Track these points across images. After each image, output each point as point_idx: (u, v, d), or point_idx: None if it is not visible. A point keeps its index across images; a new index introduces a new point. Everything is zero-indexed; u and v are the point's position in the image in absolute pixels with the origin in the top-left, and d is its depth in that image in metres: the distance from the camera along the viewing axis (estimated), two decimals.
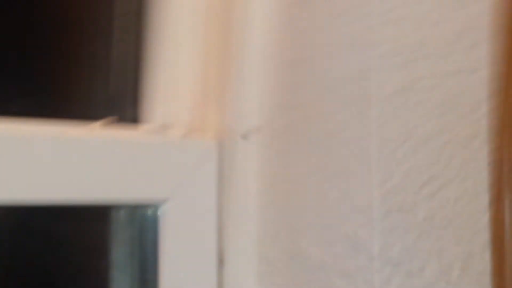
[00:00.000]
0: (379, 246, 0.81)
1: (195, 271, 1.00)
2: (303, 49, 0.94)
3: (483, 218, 0.85)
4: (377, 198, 0.82)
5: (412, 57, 0.85)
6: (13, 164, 0.89)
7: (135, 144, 0.97)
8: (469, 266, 0.84)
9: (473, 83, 0.86)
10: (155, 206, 1.00)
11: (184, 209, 0.99)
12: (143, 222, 1.05)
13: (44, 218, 1.03)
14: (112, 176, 0.95)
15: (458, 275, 0.84)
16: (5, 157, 0.88)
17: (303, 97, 0.94)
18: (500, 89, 0.85)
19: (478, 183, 0.85)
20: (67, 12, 1.14)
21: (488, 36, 0.86)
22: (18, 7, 1.09)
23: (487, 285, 0.85)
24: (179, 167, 0.99)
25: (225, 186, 1.00)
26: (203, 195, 1.00)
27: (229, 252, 1.01)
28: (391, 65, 0.84)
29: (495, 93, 0.86)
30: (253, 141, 1.01)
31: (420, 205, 0.83)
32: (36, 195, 0.91)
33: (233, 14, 1.04)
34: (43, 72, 1.08)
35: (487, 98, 0.86)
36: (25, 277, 1.06)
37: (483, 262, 0.85)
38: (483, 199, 0.85)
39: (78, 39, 1.14)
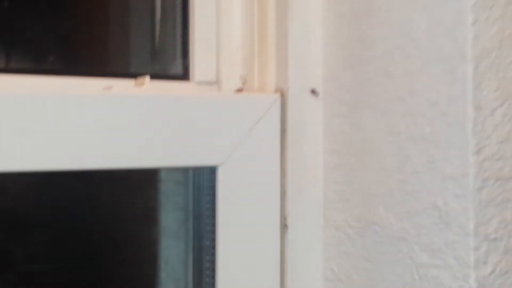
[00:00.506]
0: (474, 220, 0.73)
1: (256, 238, 0.92)
2: None
3: None
4: (473, 166, 0.73)
5: (509, 9, 0.74)
6: (53, 126, 0.79)
7: (186, 100, 0.87)
8: None
9: None
10: (212, 168, 0.91)
11: (244, 170, 0.90)
12: (199, 185, 0.96)
13: (91, 183, 0.95)
14: (162, 135, 0.86)
15: None
16: (43, 117, 0.79)
17: (376, 51, 0.84)
18: None
19: None
20: None
21: None
22: None
23: None
24: (237, 125, 0.89)
25: (289, 145, 0.91)
26: (264, 155, 0.91)
27: (293, 217, 0.92)
28: (487, 17, 0.73)
29: None
30: (321, 96, 0.91)
31: None
32: (79, 160, 0.82)
33: None
34: (85, 26, 0.97)
35: None
36: (83, 242, 0.98)
37: None
38: None
39: None
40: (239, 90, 0.94)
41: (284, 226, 0.92)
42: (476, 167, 0.73)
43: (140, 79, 0.89)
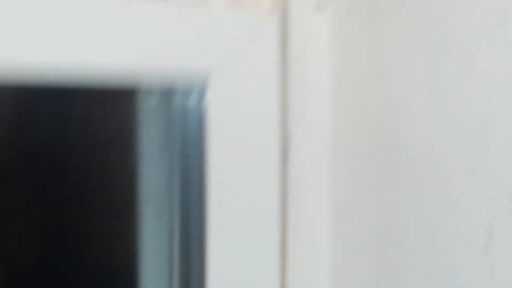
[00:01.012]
0: None
1: (253, 168, 0.80)
2: None
3: None
4: None
5: None
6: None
7: (170, 14, 0.75)
8: None
9: None
10: (200, 88, 0.78)
11: (236, 91, 0.78)
12: (184, 107, 0.83)
13: (60, 99, 0.84)
14: (145, 50, 0.75)
15: None
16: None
17: None
18: None
19: None
20: None
21: None
22: None
23: None
24: (230, 41, 0.78)
25: (290, 65, 0.78)
26: (262, 74, 0.79)
27: (294, 143, 0.80)
28: None
29: None
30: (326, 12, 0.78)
31: None
32: (53, 73, 0.71)
33: None
34: None
35: None
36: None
37: None
38: None
39: None
40: (233, 4, 0.81)
41: (284, 154, 0.80)
42: None
43: None
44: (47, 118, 0.89)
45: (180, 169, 0.86)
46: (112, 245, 0.93)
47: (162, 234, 0.87)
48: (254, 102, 0.78)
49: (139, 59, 0.75)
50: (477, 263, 0.62)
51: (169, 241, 0.87)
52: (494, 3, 0.61)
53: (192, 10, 0.76)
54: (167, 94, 0.83)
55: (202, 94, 0.79)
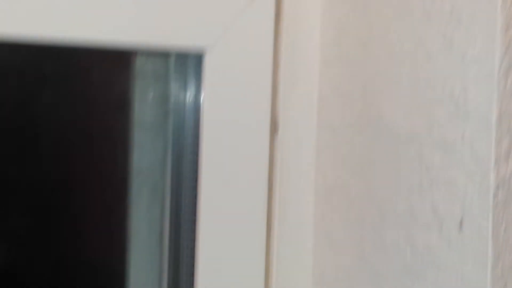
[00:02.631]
0: (498, 110, 0.61)
1: (243, 139, 0.81)
2: None
3: None
4: (500, 45, 0.61)
5: None
6: None
7: None
8: None
9: None
10: (196, 55, 0.79)
11: (232, 58, 0.79)
12: (180, 74, 0.85)
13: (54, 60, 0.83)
14: (142, 12, 0.75)
15: None
16: None
17: None
18: None
19: None
20: None
21: None
22: None
23: None
24: (227, 5, 0.78)
25: (284, 32, 0.80)
26: (255, 42, 0.80)
27: (284, 117, 0.81)
28: None
29: None
30: None
31: None
32: (50, 33, 0.71)
33: None
34: None
35: None
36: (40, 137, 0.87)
37: None
38: None
39: None
40: None
41: (274, 128, 0.81)
42: (504, 47, 0.61)
43: None
44: (42, 80, 0.86)
45: (174, 140, 0.87)
46: (102, 240, 0.92)
47: (154, 216, 0.87)
48: (249, 70, 0.79)
49: (136, 22, 0.75)
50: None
51: (160, 214, 0.88)
52: None
53: None
54: (164, 58, 0.84)
55: (199, 59, 0.79)
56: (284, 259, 0.83)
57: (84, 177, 0.90)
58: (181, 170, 0.85)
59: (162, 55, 0.83)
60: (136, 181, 0.87)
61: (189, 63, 0.82)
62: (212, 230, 0.81)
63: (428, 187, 0.67)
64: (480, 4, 0.62)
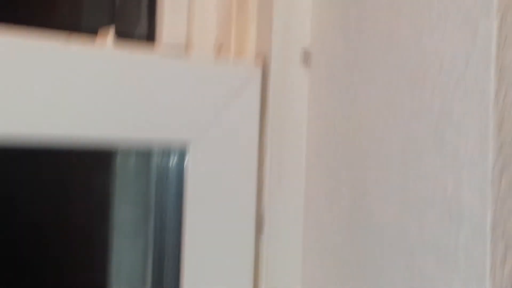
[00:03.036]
0: (493, 213, 0.58)
1: (227, 238, 0.77)
2: None
3: None
4: (493, 145, 0.58)
5: None
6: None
7: (151, 66, 0.73)
8: None
9: None
10: (180, 150, 0.76)
11: (215, 154, 0.76)
12: (164, 169, 0.81)
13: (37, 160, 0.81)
14: (125, 104, 0.72)
15: None
16: None
17: (368, 17, 0.70)
18: None
19: None
20: None
21: None
22: None
23: None
24: (211, 98, 0.75)
25: (269, 127, 0.77)
26: (240, 137, 0.77)
27: (270, 213, 0.78)
28: None
29: None
30: (307, 66, 0.77)
31: None
32: (32, 135, 0.67)
33: None
34: None
35: None
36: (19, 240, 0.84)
37: None
38: None
39: None
40: (217, 57, 0.79)
41: (259, 225, 0.78)
42: (497, 147, 0.58)
43: (102, 34, 0.74)
44: (27, 179, 0.86)
45: (156, 239, 0.83)
46: None
47: None
48: (234, 164, 0.76)
49: (118, 121, 0.72)
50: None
51: None
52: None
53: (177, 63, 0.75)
54: (146, 155, 0.81)
55: (182, 155, 0.77)
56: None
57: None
58: (161, 273, 0.81)
59: (143, 153, 0.80)
60: (115, 282, 0.83)
61: (172, 155, 0.80)
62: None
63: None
64: (472, 102, 0.60)
